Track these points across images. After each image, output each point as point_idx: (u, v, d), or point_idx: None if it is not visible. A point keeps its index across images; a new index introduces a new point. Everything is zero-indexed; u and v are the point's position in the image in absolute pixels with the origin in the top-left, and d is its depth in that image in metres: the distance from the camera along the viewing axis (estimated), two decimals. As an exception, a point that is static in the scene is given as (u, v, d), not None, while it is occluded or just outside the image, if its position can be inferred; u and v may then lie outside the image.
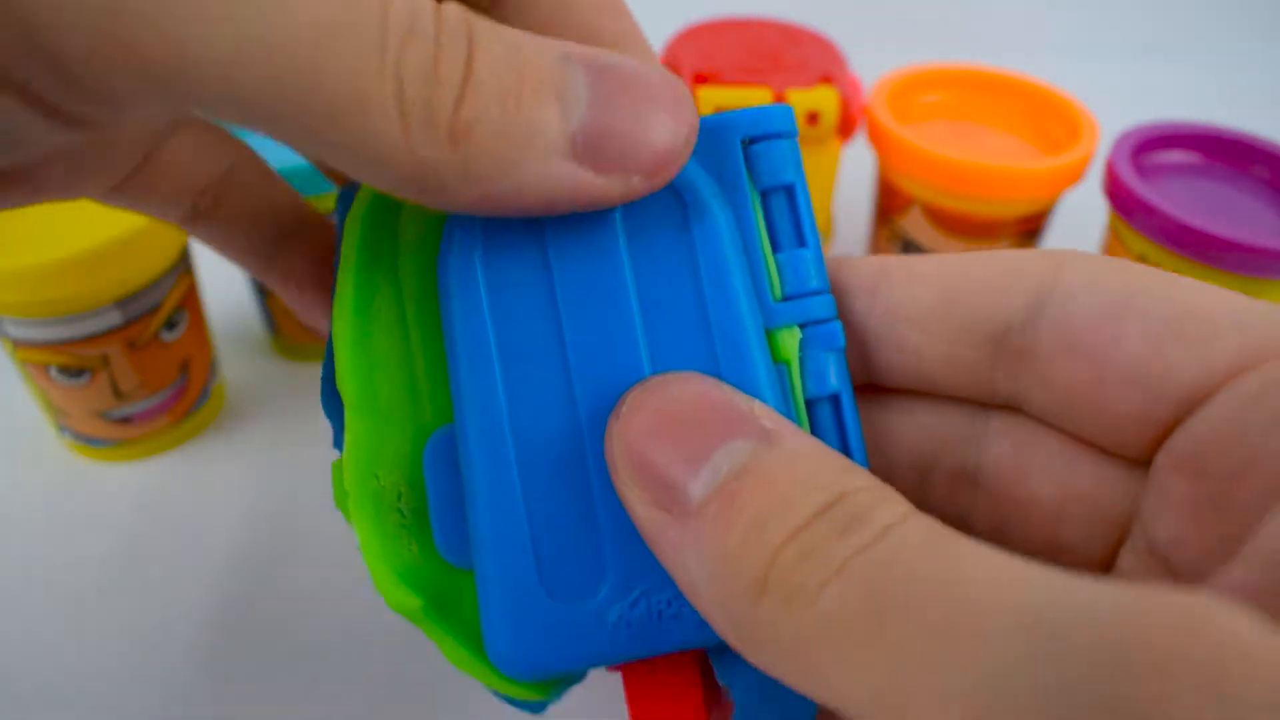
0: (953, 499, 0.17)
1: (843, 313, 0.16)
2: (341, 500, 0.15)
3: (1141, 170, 0.35)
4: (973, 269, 0.15)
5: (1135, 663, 0.09)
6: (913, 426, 0.17)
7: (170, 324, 0.31)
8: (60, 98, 0.11)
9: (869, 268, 0.16)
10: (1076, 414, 0.15)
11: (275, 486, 0.32)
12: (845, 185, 0.47)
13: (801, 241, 0.16)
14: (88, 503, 0.32)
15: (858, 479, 0.12)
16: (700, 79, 0.38)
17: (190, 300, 0.32)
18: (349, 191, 0.17)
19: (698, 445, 0.13)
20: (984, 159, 0.34)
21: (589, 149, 0.13)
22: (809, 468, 0.12)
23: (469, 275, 0.15)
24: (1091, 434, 0.15)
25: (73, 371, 0.30)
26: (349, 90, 0.11)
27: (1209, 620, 0.09)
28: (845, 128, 0.39)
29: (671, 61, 0.40)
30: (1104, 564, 0.15)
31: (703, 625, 0.14)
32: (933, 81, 0.41)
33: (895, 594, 0.10)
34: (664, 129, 0.13)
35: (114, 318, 0.29)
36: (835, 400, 0.16)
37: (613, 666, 0.15)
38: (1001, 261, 0.15)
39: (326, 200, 0.31)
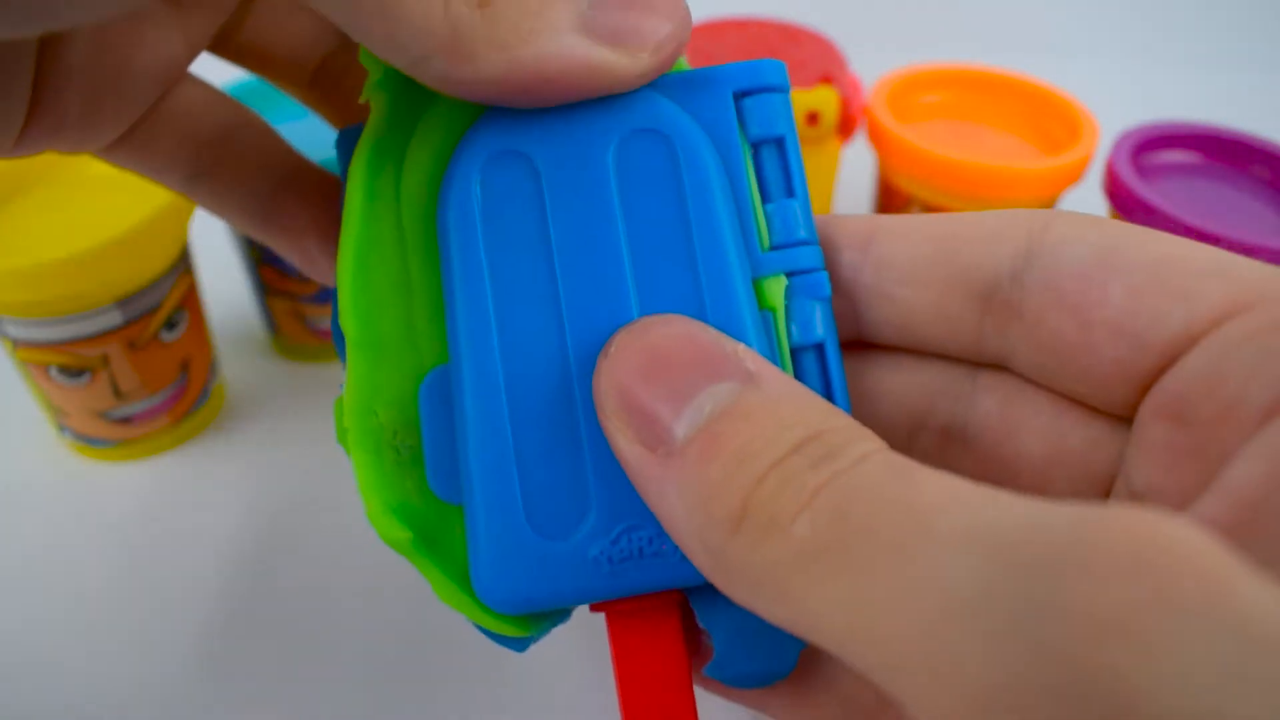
0: (942, 457, 0.17)
1: (834, 268, 0.17)
2: (342, 435, 0.16)
3: (1141, 170, 0.35)
4: (963, 226, 0.16)
5: (1086, 566, 0.09)
6: (901, 383, 0.17)
7: (170, 324, 0.31)
8: None
9: (861, 224, 0.17)
10: (1063, 368, 0.15)
11: (275, 486, 0.32)
12: (845, 185, 0.46)
13: (790, 192, 0.16)
14: (88, 503, 0.32)
15: (836, 419, 0.12)
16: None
17: (190, 300, 0.32)
18: (349, 133, 0.17)
19: (683, 385, 0.13)
20: (984, 159, 0.34)
21: (600, 25, 0.14)
22: (790, 409, 0.13)
23: (468, 218, 0.15)
24: (1078, 389, 0.15)
25: (73, 371, 0.30)
26: None
27: (1159, 529, 0.09)
28: (845, 128, 0.39)
29: (671, 61, 0.40)
30: None
31: (683, 563, 0.15)
32: (933, 81, 0.41)
33: (860, 518, 0.11)
34: (661, 12, 0.14)
35: (114, 318, 0.29)
36: (820, 349, 0.16)
37: (595, 606, 0.16)
38: (991, 219, 0.16)
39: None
